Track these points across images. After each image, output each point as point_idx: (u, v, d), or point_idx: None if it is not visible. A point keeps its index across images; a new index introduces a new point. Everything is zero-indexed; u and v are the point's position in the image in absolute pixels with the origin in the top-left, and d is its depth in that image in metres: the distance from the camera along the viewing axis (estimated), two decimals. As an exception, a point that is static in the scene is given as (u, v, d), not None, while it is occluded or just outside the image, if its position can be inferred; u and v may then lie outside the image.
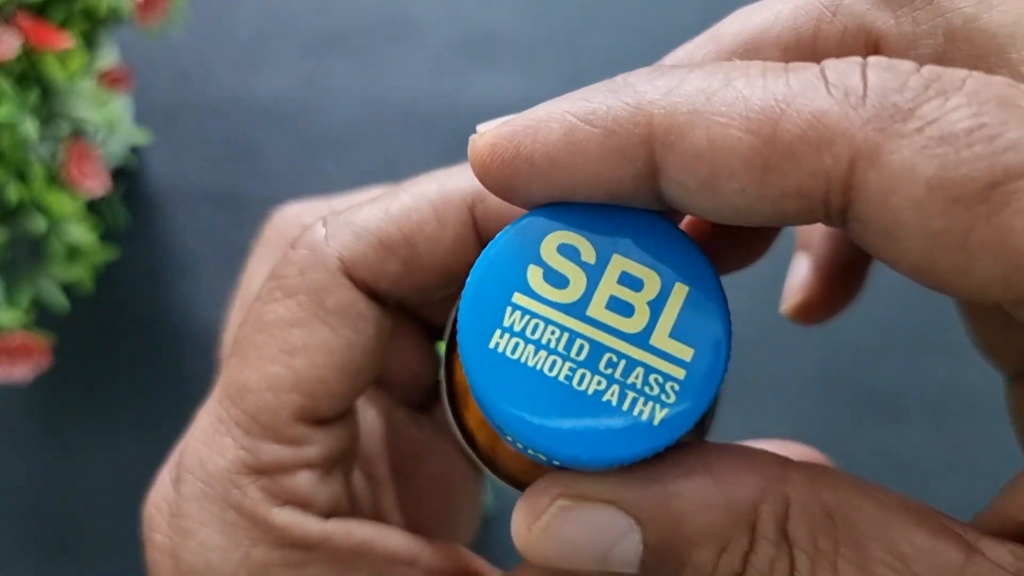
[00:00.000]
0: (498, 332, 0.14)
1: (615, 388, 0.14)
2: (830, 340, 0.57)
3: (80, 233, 0.47)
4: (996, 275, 0.12)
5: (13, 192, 0.45)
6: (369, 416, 0.21)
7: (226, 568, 0.17)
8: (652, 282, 0.14)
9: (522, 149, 0.15)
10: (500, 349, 0.14)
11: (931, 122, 0.12)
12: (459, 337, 0.14)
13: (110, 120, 0.48)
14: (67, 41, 0.46)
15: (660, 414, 0.14)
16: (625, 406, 0.14)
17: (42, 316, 0.49)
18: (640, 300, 0.14)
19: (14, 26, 0.45)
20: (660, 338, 0.14)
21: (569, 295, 0.14)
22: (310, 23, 0.63)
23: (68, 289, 0.48)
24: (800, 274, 0.24)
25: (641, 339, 0.14)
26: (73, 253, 0.48)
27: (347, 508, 0.19)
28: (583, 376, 0.14)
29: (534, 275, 0.14)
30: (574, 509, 0.14)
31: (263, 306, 0.18)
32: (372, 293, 0.18)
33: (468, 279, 0.14)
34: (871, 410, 0.53)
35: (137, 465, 0.57)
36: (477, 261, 0.14)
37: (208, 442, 0.18)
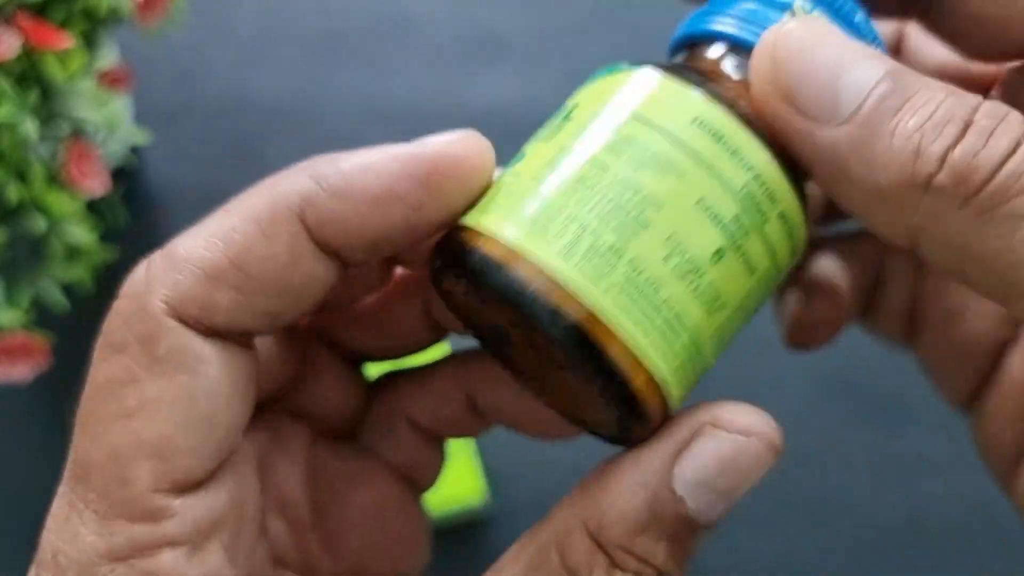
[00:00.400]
0: None
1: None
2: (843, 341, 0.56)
3: (80, 233, 0.47)
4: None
5: (13, 192, 0.45)
6: (282, 459, 0.20)
7: None
8: None
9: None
10: None
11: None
12: None
13: (110, 120, 0.48)
14: (67, 41, 0.46)
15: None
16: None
17: (42, 316, 0.49)
18: None
19: (14, 26, 0.45)
20: None
21: None
22: (310, 23, 0.63)
23: (68, 289, 0.48)
24: (792, 304, 0.24)
25: None
26: (73, 253, 0.48)
27: None
28: None
29: None
30: (823, 28, 0.15)
31: (94, 369, 0.17)
32: (210, 331, 0.16)
33: None
34: (872, 410, 0.53)
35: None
36: None
37: (59, 531, 0.16)
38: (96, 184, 0.48)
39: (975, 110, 0.14)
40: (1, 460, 0.57)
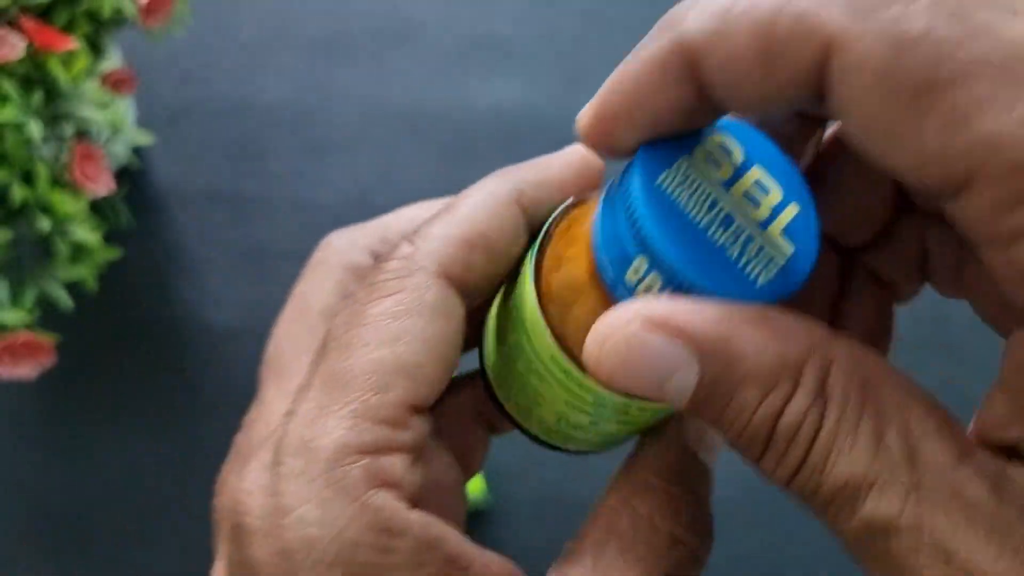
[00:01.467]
0: (666, 173, 0.17)
1: (736, 248, 0.17)
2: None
3: (84, 233, 0.47)
4: (910, 164, 0.15)
5: (18, 192, 0.44)
6: None
7: (320, 544, 0.18)
8: (776, 193, 0.18)
9: (613, 108, 0.18)
10: (664, 186, 0.17)
11: (894, 20, 0.14)
12: (634, 170, 0.17)
13: (114, 121, 0.48)
14: (71, 43, 0.45)
15: (763, 278, 0.17)
16: (740, 263, 0.17)
17: (47, 315, 0.49)
18: (766, 201, 0.18)
19: (19, 29, 0.45)
20: (775, 230, 0.18)
21: (721, 175, 0.18)
22: (312, 27, 0.63)
23: (72, 288, 0.48)
24: None
25: (762, 225, 0.18)
26: (77, 253, 0.48)
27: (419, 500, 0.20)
28: (716, 230, 0.17)
29: (698, 153, 0.18)
30: (647, 336, 0.16)
31: (363, 306, 0.19)
32: (463, 288, 0.20)
33: (640, 147, 0.18)
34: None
35: (141, 461, 0.57)
36: (645, 144, 0.18)
37: (312, 425, 0.18)
38: (100, 185, 0.47)
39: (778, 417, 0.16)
40: (6, 455, 0.57)
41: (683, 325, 0.16)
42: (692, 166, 0.18)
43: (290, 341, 0.23)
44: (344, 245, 0.24)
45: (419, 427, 0.19)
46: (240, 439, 0.21)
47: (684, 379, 0.16)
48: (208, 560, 0.56)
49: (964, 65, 0.14)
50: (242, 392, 0.58)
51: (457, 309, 0.20)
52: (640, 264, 0.17)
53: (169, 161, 0.61)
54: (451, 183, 0.60)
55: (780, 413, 0.16)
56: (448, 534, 0.19)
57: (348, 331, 0.19)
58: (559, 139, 0.61)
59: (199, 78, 0.62)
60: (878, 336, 0.21)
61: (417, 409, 0.19)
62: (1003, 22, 0.15)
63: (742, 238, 0.18)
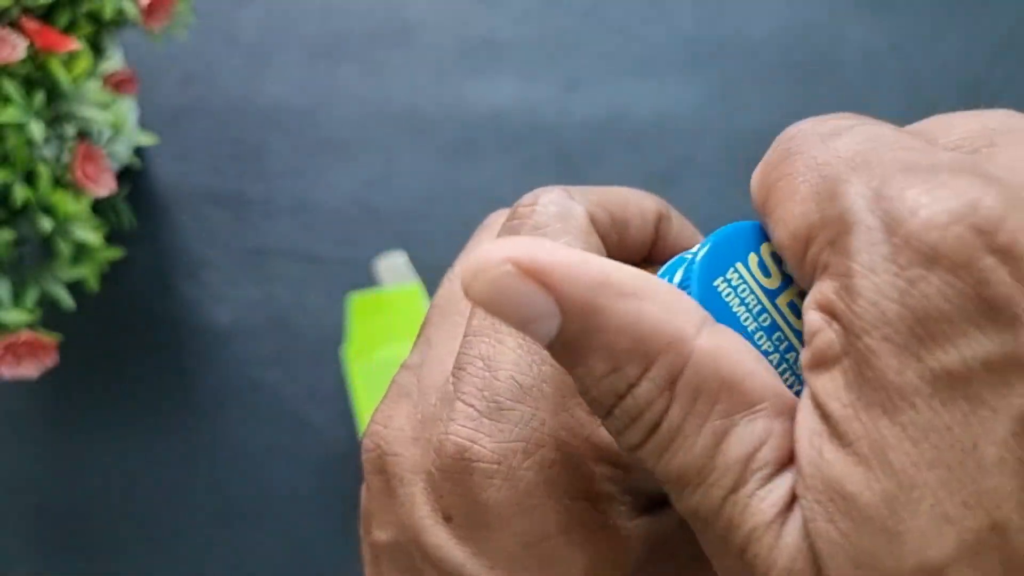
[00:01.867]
0: (721, 279, 0.18)
1: (775, 357, 0.19)
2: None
3: (86, 233, 0.47)
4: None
5: (20, 193, 0.44)
6: None
7: (563, 483, 0.19)
8: None
9: None
10: (719, 290, 0.18)
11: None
12: (695, 269, 0.18)
13: (116, 122, 0.48)
14: (73, 44, 0.45)
15: (796, 387, 0.18)
16: (779, 369, 0.18)
17: (49, 315, 0.49)
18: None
19: (20, 30, 0.45)
20: None
21: (770, 284, 0.19)
22: (313, 29, 0.63)
23: (75, 288, 0.47)
24: None
25: (799, 335, 0.19)
26: (79, 253, 0.48)
27: None
28: (760, 337, 0.18)
29: (752, 260, 0.19)
30: (515, 281, 0.16)
31: (519, 222, 0.21)
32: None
33: (712, 238, 0.19)
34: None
35: (142, 460, 0.57)
36: (717, 233, 0.19)
37: (528, 371, 0.19)
38: (102, 185, 0.47)
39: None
40: (7, 454, 0.57)
41: (556, 281, 0.16)
42: (747, 272, 0.19)
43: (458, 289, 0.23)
44: (501, 216, 0.24)
45: None
46: (405, 379, 0.21)
47: (546, 327, 0.16)
48: (211, 559, 0.56)
49: None
50: (244, 390, 0.58)
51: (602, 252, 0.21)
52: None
53: (171, 161, 0.60)
54: (450, 182, 0.60)
55: (623, 394, 0.16)
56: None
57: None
58: (557, 140, 0.61)
59: (201, 79, 0.62)
60: None
61: None
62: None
63: (783, 347, 0.19)
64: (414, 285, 0.53)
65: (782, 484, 0.16)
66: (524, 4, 0.63)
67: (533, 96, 0.61)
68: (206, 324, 0.58)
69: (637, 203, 0.22)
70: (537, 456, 0.18)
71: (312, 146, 0.61)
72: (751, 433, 0.16)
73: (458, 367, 0.20)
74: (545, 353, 0.19)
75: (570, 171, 0.60)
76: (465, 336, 0.20)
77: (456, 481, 0.19)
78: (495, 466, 0.18)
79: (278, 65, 0.62)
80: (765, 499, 0.16)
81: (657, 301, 0.16)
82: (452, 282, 0.23)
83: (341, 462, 0.56)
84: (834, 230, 0.16)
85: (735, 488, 0.16)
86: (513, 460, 0.18)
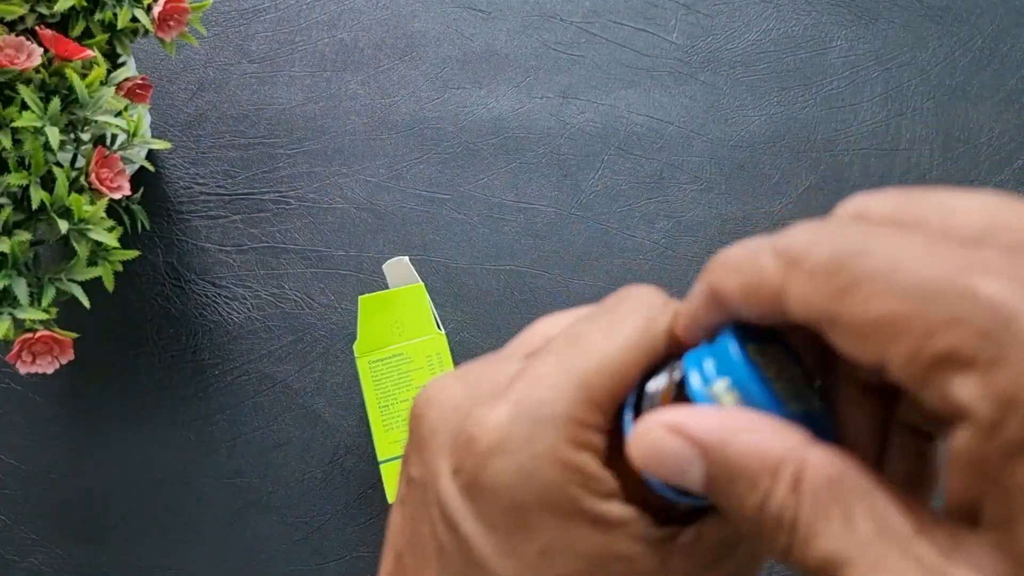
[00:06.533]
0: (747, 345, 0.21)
1: (788, 397, 0.21)
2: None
3: (102, 235, 0.45)
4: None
5: (36, 195, 0.43)
6: None
7: (542, 473, 0.22)
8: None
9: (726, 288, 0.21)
10: (748, 351, 0.21)
11: None
12: (727, 336, 0.21)
13: (131, 128, 0.46)
14: (88, 52, 0.44)
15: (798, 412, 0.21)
16: (788, 407, 0.20)
17: (66, 313, 0.47)
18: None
19: (36, 37, 0.43)
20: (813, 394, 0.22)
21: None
22: (321, 41, 0.61)
23: (91, 288, 0.46)
24: None
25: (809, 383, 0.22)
26: (95, 254, 0.46)
27: None
28: (775, 384, 0.21)
29: (751, 346, 0.21)
30: (666, 438, 0.20)
31: (606, 314, 0.24)
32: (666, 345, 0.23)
33: (726, 341, 0.21)
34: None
35: (156, 453, 0.56)
36: (726, 339, 0.21)
37: (554, 391, 0.22)
38: (117, 188, 0.46)
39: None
40: (25, 447, 0.55)
41: (692, 431, 0.20)
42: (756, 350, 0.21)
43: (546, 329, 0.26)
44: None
45: (615, 419, 0.23)
46: (471, 372, 0.25)
47: (695, 473, 0.20)
48: (222, 549, 0.55)
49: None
50: (256, 385, 0.56)
51: (662, 354, 0.23)
52: (723, 383, 0.21)
53: (184, 165, 0.59)
54: (453, 188, 0.59)
55: (763, 505, 0.19)
56: (619, 490, 0.23)
57: (599, 337, 0.23)
58: (553, 147, 0.59)
59: (213, 87, 0.60)
60: (918, 479, 0.23)
61: (619, 408, 0.23)
62: None
63: (793, 393, 0.21)
64: (418, 285, 0.52)
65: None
66: (522, 18, 0.62)
67: (531, 105, 0.60)
68: (220, 322, 0.57)
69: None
70: (535, 447, 0.22)
71: (320, 152, 0.60)
72: (877, 509, 0.18)
73: (516, 379, 0.23)
74: (568, 387, 0.22)
75: (566, 177, 0.59)
76: (532, 360, 0.24)
77: (466, 447, 0.23)
78: (499, 444, 0.22)
79: (287, 74, 0.61)
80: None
81: (768, 426, 0.19)
82: (557, 326, 0.26)
83: (349, 452, 0.55)
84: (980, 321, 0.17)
85: (882, 556, 0.17)
86: (518, 444, 0.22)
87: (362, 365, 0.50)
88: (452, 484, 0.23)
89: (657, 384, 0.23)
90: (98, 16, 0.44)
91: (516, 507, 0.22)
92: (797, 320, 0.19)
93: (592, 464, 0.22)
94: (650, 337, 0.23)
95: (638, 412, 0.23)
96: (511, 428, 0.22)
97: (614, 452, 0.23)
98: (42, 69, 0.43)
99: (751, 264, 0.19)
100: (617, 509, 0.22)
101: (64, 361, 0.45)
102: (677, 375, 0.23)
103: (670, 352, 0.23)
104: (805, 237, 0.18)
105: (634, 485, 0.23)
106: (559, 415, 0.22)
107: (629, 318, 0.23)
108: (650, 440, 0.20)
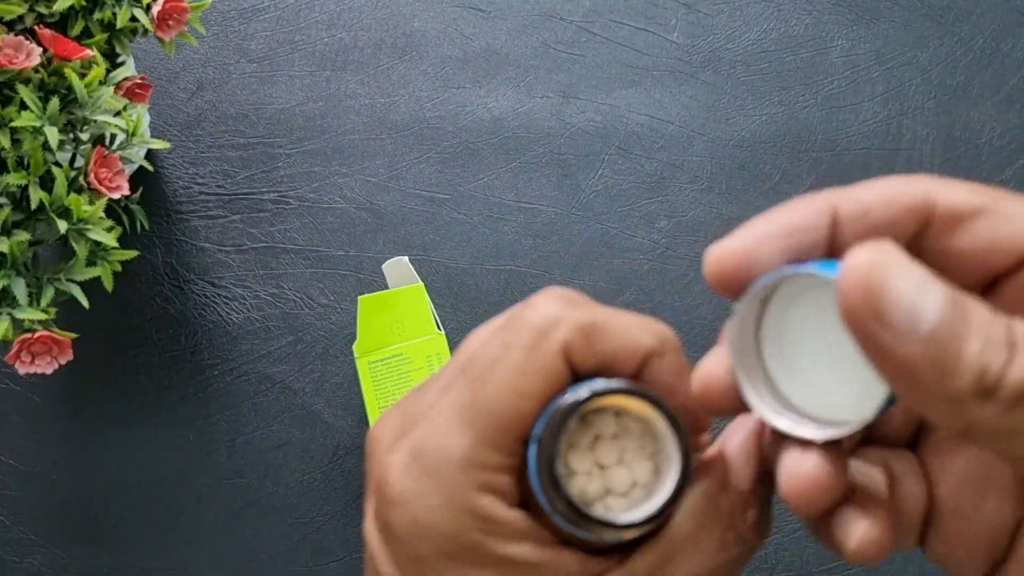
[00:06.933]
0: None
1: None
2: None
3: (101, 235, 0.45)
4: None
5: (35, 195, 0.43)
6: None
7: (440, 524, 0.22)
8: None
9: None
10: None
11: None
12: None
13: (130, 127, 0.46)
14: (87, 52, 0.43)
15: None
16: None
17: (64, 314, 0.47)
18: None
19: (35, 37, 0.43)
20: None
21: None
22: (320, 40, 0.61)
23: (90, 288, 0.46)
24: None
25: None
26: (94, 254, 0.46)
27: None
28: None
29: None
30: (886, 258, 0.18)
31: (506, 351, 0.23)
32: (570, 364, 0.23)
33: None
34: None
35: (155, 453, 0.55)
36: None
37: (448, 436, 0.22)
38: (116, 188, 0.46)
39: (1012, 331, 0.18)
40: (24, 448, 0.55)
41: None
42: None
43: (473, 346, 0.25)
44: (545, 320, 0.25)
45: (523, 453, 0.22)
46: (409, 398, 0.25)
47: (935, 302, 0.17)
48: (222, 549, 0.55)
49: None
50: (256, 385, 0.56)
51: (565, 377, 0.23)
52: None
53: (183, 165, 0.59)
54: (452, 187, 0.59)
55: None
56: (534, 529, 0.22)
57: (491, 368, 0.22)
58: (554, 147, 0.59)
59: (212, 87, 0.60)
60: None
61: (525, 441, 0.22)
62: None
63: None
64: (417, 285, 0.52)
65: None
66: (522, 18, 0.62)
67: (531, 105, 0.60)
68: (219, 322, 0.57)
69: (633, 338, 0.23)
70: (430, 500, 0.22)
71: (319, 152, 0.59)
72: None
73: (419, 420, 0.23)
74: (466, 431, 0.22)
75: (566, 177, 0.59)
76: (432, 406, 0.23)
77: (377, 495, 0.23)
78: (399, 496, 0.22)
79: (287, 74, 0.61)
80: None
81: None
82: (473, 344, 0.25)
83: (349, 452, 0.55)
84: None
85: None
86: (412, 498, 0.22)
87: (362, 365, 0.50)
88: (373, 527, 0.24)
89: (563, 402, 0.22)
90: (97, 15, 0.44)
91: (417, 557, 0.22)
92: None
93: (495, 507, 0.22)
94: (542, 365, 0.22)
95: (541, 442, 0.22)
96: (405, 481, 0.22)
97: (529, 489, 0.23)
98: (41, 69, 0.42)
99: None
100: (526, 551, 0.22)
101: (63, 361, 0.45)
102: (584, 392, 0.22)
103: (575, 370, 0.23)
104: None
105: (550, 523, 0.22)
106: (456, 460, 0.22)
107: (518, 348, 0.22)
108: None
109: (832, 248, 0.21)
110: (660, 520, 0.22)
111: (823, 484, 0.20)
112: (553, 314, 0.23)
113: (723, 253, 0.21)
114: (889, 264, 0.17)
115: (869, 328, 0.17)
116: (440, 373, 0.25)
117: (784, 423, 0.21)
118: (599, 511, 0.22)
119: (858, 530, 0.21)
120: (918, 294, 0.17)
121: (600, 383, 0.22)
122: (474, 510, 0.22)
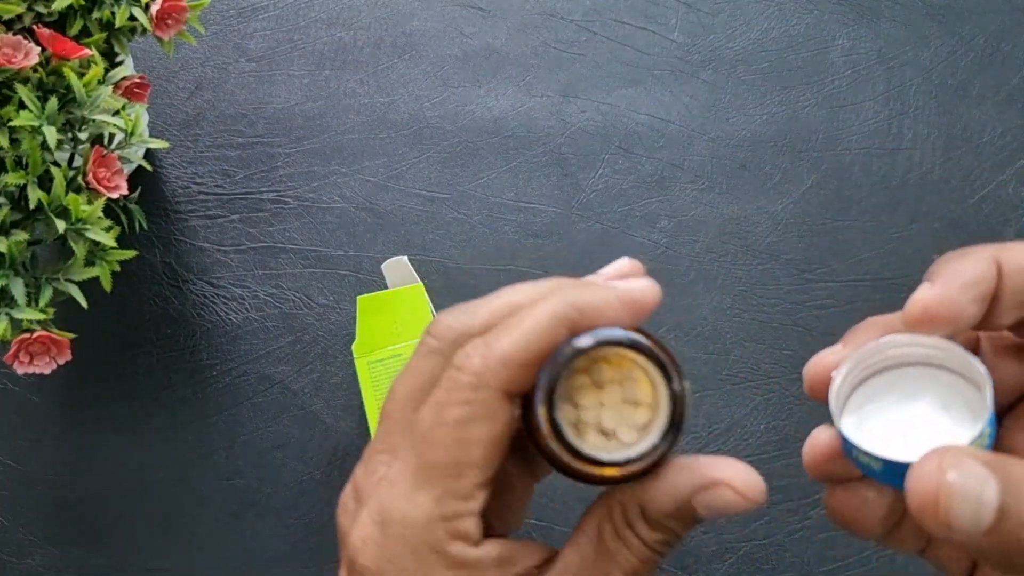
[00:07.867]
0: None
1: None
2: (816, 336, 0.55)
3: (99, 234, 0.45)
4: None
5: (34, 195, 0.43)
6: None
7: None
8: None
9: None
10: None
11: None
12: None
13: (128, 127, 0.46)
14: (85, 51, 0.43)
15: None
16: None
17: (63, 314, 0.47)
18: None
19: (33, 36, 0.43)
20: None
21: None
22: (319, 39, 0.61)
23: (89, 287, 0.46)
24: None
25: None
26: (93, 254, 0.46)
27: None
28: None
29: None
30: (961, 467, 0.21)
31: (443, 408, 0.24)
32: (514, 399, 0.24)
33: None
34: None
35: (154, 454, 0.55)
36: None
37: (409, 500, 0.24)
38: (115, 188, 0.45)
39: None
40: (22, 448, 0.55)
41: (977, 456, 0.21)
42: None
43: (400, 409, 0.26)
44: (442, 330, 0.26)
45: (484, 496, 0.24)
46: (360, 473, 0.26)
47: (991, 498, 0.20)
48: (221, 550, 0.55)
49: None
50: (255, 385, 0.56)
51: (512, 414, 0.24)
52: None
53: (182, 165, 0.59)
54: (453, 188, 0.58)
55: None
56: (508, 550, 0.24)
57: (432, 429, 0.24)
58: (554, 146, 0.59)
59: (211, 86, 0.60)
60: None
61: (483, 486, 0.24)
62: None
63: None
64: (416, 285, 0.52)
65: None
66: (522, 17, 0.62)
67: (531, 104, 0.60)
68: (218, 322, 0.56)
69: (561, 329, 0.24)
70: (402, 564, 0.24)
71: (319, 152, 0.59)
72: None
73: (367, 454, 0.25)
74: (425, 489, 0.24)
75: (566, 177, 0.59)
76: (384, 476, 0.25)
77: (348, 567, 0.25)
78: (369, 566, 0.24)
79: (286, 73, 0.61)
80: None
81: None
82: (396, 398, 0.26)
83: (348, 453, 0.55)
84: None
85: None
86: (383, 567, 0.24)
87: (361, 366, 0.50)
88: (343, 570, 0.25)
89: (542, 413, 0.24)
90: (96, 15, 0.44)
91: None
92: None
93: (465, 552, 0.24)
94: (481, 412, 0.24)
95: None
96: (374, 551, 0.24)
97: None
98: (39, 68, 0.42)
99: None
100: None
101: (61, 361, 0.45)
102: (588, 341, 0.24)
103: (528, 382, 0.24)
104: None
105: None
106: (421, 523, 0.23)
107: (454, 405, 0.24)
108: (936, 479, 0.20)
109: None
110: (643, 463, 0.24)
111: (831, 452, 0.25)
112: (477, 364, 0.24)
113: (927, 303, 0.23)
114: (953, 482, 0.20)
115: (940, 530, 0.20)
116: (378, 435, 0.26)
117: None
118: (587, 448, 0.24)
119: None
120: (979, 501, 0.20)
121: (604, 332, 0.24)
122: (446, 560, 0.23)
